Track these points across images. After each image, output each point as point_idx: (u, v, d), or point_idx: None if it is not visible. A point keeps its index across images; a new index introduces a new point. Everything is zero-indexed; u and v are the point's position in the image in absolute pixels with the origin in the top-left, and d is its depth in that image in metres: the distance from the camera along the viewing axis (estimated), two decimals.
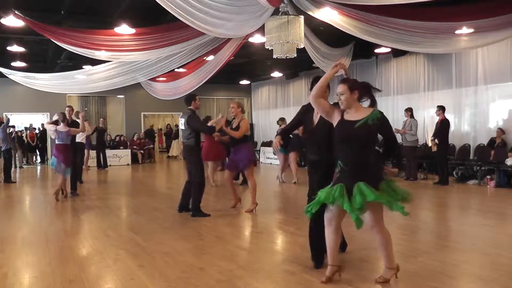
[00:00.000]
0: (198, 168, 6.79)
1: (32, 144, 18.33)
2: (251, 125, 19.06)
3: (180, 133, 9.31)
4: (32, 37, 10.18)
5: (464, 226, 6.05)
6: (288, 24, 6.97)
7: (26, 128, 18.66)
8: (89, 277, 4.09)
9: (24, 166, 17.26)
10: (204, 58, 11.33)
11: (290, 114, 11.89)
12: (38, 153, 19.04)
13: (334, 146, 3.86)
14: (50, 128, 9.07)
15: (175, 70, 12.09)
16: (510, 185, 9.25)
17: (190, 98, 6.97)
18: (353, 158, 3.55)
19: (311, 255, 4.26)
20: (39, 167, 17.51)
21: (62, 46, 8.83)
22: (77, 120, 9.39)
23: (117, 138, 18.36)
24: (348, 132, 3.57)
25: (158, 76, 12.82)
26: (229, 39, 9.62)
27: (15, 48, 11.03)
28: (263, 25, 7.48)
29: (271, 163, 16.04)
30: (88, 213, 7.53)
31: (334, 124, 3.72)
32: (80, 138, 10.80)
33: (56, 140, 8.84)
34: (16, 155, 16.99)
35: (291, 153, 10.50)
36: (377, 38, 8.26)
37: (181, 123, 6.95)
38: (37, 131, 18.78)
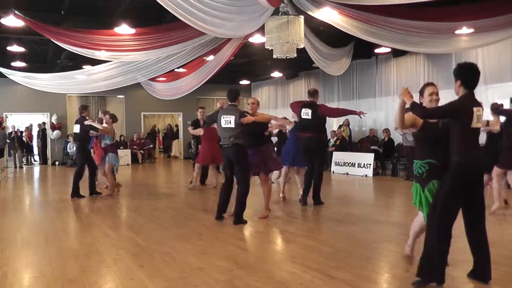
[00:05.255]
0: (246, 171, 6.25)
1: (30, 143, 18.32)
2: None
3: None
4: (32, 37, 10.18)
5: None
6: (288, 24, 6.97)
7: (26, 128, 18.68)
8: (89, 277, 4.09)
9: (24, 166, 17.27)
10: (204, 58, 11.33)
11: (290, 114, 11.84)
12: (37, 153, 19.03)
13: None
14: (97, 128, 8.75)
15: (175, 70, 12.09)
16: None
17: (236, 93, 6.36)
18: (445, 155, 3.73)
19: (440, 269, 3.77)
20: (38, 167, 17.50)
21: (62, 46, 8.82)
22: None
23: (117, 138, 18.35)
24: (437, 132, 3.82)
25: (158, 76, 12.82)
26: (229, 39, 9.62)
27: (15, 48, 11.03)
28: (263, 25, 7.48)
29: None
30: (88, 213, 7.54)
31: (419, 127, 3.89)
32: None
33: (108, 141, 8.85)
34: (16, 155, 17.02)
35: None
36: (377, 38, 8.27)
37: (226, 120, 6.22)
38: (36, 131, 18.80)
